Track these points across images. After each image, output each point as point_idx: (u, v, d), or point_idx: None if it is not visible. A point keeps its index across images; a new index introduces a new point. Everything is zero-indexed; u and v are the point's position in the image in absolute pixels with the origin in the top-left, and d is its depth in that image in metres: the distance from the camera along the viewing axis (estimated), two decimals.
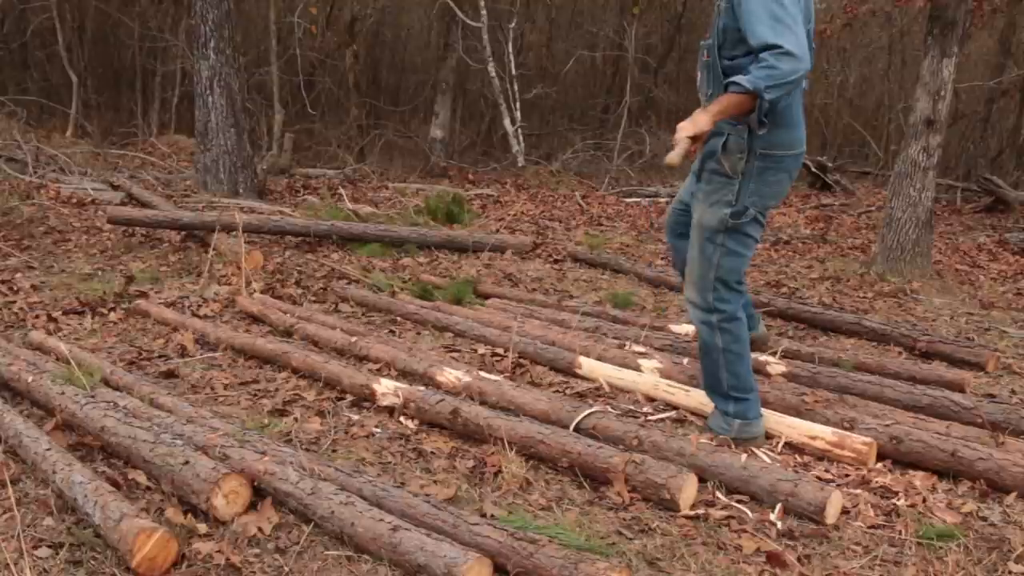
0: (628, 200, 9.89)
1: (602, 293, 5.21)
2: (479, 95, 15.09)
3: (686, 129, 2.58)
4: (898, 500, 2.59)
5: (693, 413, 3.20)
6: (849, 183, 11.03)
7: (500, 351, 3.86)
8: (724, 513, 2.48)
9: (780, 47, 2.48)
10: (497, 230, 7.09)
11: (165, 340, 4.04)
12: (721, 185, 2.78)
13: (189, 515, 2.30)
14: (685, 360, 3.57)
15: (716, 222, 2.79)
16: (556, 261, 6.18)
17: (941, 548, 2.32)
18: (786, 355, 3.76)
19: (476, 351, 3.95)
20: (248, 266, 5.18)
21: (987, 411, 3.08)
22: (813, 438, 2.88)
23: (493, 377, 3.37)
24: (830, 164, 11.26)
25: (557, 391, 3.42)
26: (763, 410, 3.02)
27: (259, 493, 2.40)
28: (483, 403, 3.13)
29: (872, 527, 2.44)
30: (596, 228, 7.82)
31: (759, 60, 2.52)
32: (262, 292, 4.88)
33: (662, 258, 6.44)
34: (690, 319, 3.02)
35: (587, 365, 3.60)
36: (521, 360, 3.76)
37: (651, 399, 3.34)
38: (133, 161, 9.98)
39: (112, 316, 4.39)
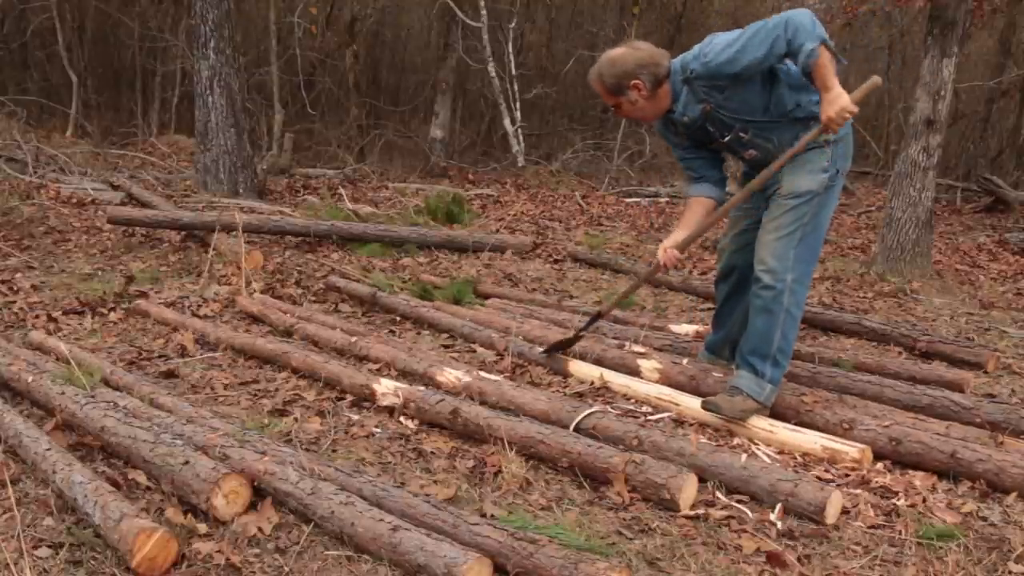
0: (628, 200, 9.90)
1: (602, 293, 5.21)
2: (479, 95, 15.08)
3: (839, 121, 2.81)
4: (898, 500, 2.59)
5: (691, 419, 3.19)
6: (849, 183, 11.01)
7: (499, 352, 3.87)
8: (724, 513, 2.48)
9: (782, 25, 2.76)
10: (497, 230, 7.09)
11: (165, 340, 4.04)
12: (817, 155, 3.01)
13: (189, 515, 2.30)
14: (685, 360, 3.56)
15: (816, 185, 3.00)
16: (556, 261, 6.18)
17: (941, 548, 2.32)
18: None
19: (475, 350, 3.95)
20: (248, 266, 5.19)
21: (987, 411, 3.08)
22: (805, 455, 2.88)
23: (493, 377, 3.37)
24: None
25: (557, 391, 3.42)
26: (753, 417, 3.03)
27: (259, 493, 2.40)
28: (483, 403, 3.13)
29: (872, 527, 2.44)
30: (596, 228, 7.83)
31: (794, 40, 2.76)
32: (262, 292, 4.88)
33: None
34: (758, 284, 3.04)
35: (576, 370, 3.60)
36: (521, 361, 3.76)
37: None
38: (133, 161, 9.98)
39: (112, 316, 4.39)
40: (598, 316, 3.67)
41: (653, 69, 3.00)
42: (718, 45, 2.90)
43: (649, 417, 3.18)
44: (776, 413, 3.10)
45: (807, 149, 3.01)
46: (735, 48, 2.84)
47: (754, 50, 2.82)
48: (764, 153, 3.10)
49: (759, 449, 2.92)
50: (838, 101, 2.78)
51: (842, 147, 3.03)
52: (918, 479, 2.70)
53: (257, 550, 2.21)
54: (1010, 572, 2.23)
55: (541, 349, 3.72)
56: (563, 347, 3.65)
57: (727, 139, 3.09)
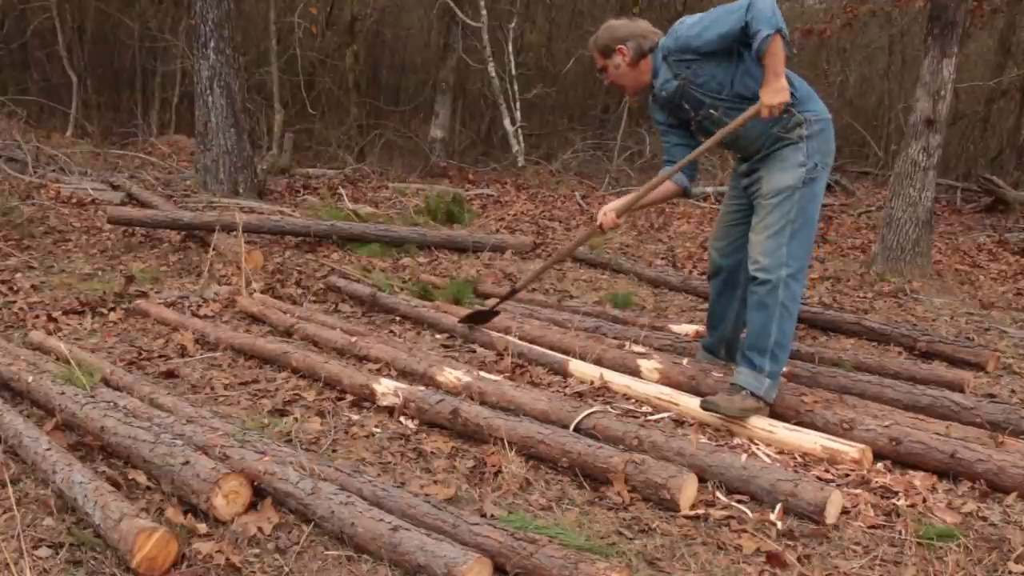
0: None
1: (602, 293, 5.21)
2: (479, 95, 15.08)
3: (777, 108, 2.95)
4: (898, 500, 2.59)
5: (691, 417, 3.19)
6: (849, 183, 11.01)
7: (499, 351, 3.86)
8: (724, 513, 2.48)
9: (744, 9, 2.90)
10: (497, 230, 7.09)
11: (165, 340, 4.04)
12: (792, 151, 3.12)
13: (189, 515, 2.30)
14: (685, 360, 3.57)
15: (794, 179, 3.09)
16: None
17: (941, 548, 2.32)
18: None
19: (475, 351, 3.95)
20: (248, 266, 5.18)
21: (987, 411, 3.08)
22: (804, 455, 2.88)
23: (493, 377, 3.37)
24: None
25: (557, 391, 3.42)
26: (753, 417, 3.04)
27: (259, 493, 2.40)
28: (483, 403, 3.13)
29: (872, 527, 2.44)
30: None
31: (752, 24, 2.90)
32: (262, 292, 4.88)
33: (662, 258, 6.44)
34: (754, 282, 3.11)
35: (577, 370, 3.60)
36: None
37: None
38: (133, 161, 9.97)
39: (112, 316, 4.39)
40: (514, 291, 4.07)
41: (640, 41, 3.24)
42: (688, 23, 3.15)
43: (649, 417, 3.18)
44: (776, 413, 3.10)
45: (781, 147, 3.12)
46: (702, 25, 3.08)
47: (717, 28, 3.02)
48: (733, 133, 3.19)
49: (759, 449, 2.92)
50: (780, 93, 2.93)
51: (817, 142, 3.11)
52: (918, 479, 2.70)
53: (257, 550, 2.21)
54: (1010, 572, 2.23)
55: (459, 319, 4.14)
56: (481, 319, 4.06)
57: (700, 116, 3.23)
